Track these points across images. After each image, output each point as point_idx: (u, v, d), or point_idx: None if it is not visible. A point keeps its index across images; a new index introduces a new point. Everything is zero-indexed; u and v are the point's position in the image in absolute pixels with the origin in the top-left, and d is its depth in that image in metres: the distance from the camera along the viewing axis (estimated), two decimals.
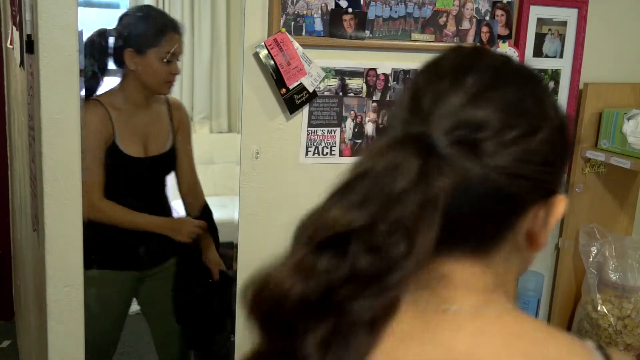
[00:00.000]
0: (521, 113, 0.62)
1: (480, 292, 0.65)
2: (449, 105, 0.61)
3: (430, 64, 0.68)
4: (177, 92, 3.46)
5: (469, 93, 0.62)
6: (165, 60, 2.07)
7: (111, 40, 2.13)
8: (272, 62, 1.81)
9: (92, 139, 2.02)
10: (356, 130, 1.97)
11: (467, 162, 0.59)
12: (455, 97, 0.61)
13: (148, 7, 2.16)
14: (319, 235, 0.59)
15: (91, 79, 2.13)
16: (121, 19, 2.18)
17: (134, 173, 2.13)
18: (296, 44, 1.82)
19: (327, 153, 1.95)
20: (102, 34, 2.14)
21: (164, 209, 2.24)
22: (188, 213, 2.31)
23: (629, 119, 2.06)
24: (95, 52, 2.13)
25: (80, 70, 1.66)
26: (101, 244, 2.12)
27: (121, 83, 2.12)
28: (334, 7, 1.86)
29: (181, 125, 2.22)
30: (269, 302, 0.59)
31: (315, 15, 1.84)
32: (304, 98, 1.86)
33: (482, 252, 0.64)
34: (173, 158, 2.20)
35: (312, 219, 0.64)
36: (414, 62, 2.00)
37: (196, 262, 2.24)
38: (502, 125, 0.60)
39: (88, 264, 2.14)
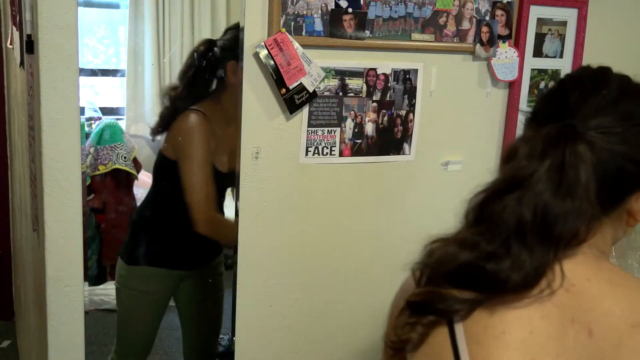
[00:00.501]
0: None
1: (591, 247, 0.87)
2: (591, 107, 0.86)
3: (572, 75, 0.96)
4: None
5: (606, 99, 0.87)
6: None
7: (216, 50, 2.13)
8: (272, 62, 1.81)
9: (203, 152, 2.05)
10: (356, 130, 1.97)
11: (605, 146, 0.84)
12: (595, 101, 0.87)
13: None
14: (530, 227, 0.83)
15: (194, 89, 2.13)
16: (226, 32, 2.17)
17: (217, 188, 2.14)
18: (296, 44, 1.82)
19: (327, 153, 1.95)
20: (208, 43, 2.14)
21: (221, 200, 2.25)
22: None
23: None
24: (199, 61, 2.14)
25: (80, 70, 1.66)
26: (155, 243, 2.18)
27: (218, 96, 2.12)
28: (334, 7, 1.86)
29: None
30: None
31: (315, 15, 1.85)
32: (304, 98, 1.86)
33: (599, 220, 0.87)
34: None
35: (494, 207, 0.85)
36: (414, 62, 2.00)
37: None
38: (628, 124, 0.86)
39: (137, 260, 2.20)
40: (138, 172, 2.56)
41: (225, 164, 2.13)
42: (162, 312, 2.27)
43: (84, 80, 2.15)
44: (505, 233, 0.82)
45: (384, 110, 2.00)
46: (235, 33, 2.12)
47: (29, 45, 1.73)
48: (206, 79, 2.15)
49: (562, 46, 2.19)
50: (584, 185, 0.82)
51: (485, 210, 0.85)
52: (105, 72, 3.20)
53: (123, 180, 2.53)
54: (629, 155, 0.85)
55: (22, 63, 2.08)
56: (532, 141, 0.85)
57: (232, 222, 1.98)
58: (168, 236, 2.16)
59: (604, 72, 0.93)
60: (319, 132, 1.93)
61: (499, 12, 2.06)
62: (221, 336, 2.28)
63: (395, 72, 1.98)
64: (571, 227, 0.82)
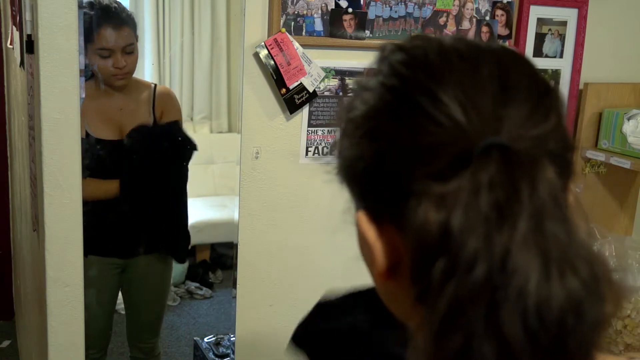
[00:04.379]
0: None
1: None
2: (494, 101, 0.50)
3: (412, 63, 0.53)
4: (177, 92, 3.47)
5: (493, 81, 0.51)
6: (102, 56, 2.07)
7: None
8: (272, 62, 1.81)
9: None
10: None
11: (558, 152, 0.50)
12: (490, 90, 0.50)
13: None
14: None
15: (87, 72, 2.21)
16: None
17: (110, 154, 2.18)
18: (296, 44, 1.82)
19: (327, 153, 1.95)
20: None
21: (158, 184, 2.28)
22: None
23: (629, 119, 2.06)
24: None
25: (80, 70, 1.66)
26: (88, 230, 2.18)
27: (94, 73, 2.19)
28: (334, 7, 1.86)
29: (165, 112, 2.25)
30: None
31: (315, 15, 1.85)
32: (304, 98, 1.86)
33: None
34: (157, 134, 2.24)
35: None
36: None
37: None
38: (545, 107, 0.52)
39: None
40: None
41: (112, 132, 2.17)
42: (109, 300, 2.30)
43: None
44: None
45: None
46: (84, 16, 2.15)
47: (29, 45, 1.73)
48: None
49: (562, 46, 2.19)
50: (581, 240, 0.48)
51: None
52: None
53: None
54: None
55: (22, 63, 2.08)
56: (457, 202, 0.46)
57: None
58: (96, 223, 2.16)
59: (443, 46, 0.54)
60: (319, 132, 1.93)
61: (499, 12, 2.06)
62: (221, 336, 2.28)
63: None
64: (595, 320, 0.46)
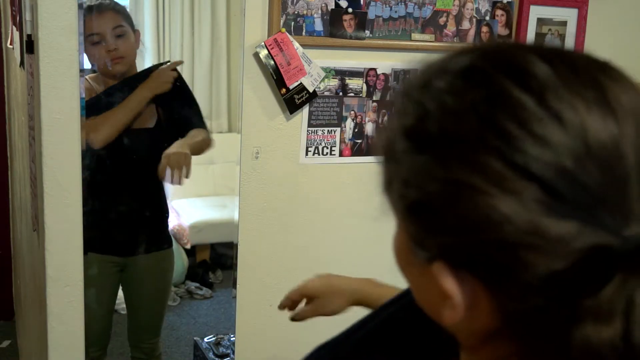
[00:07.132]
0: None
1: None
2: None
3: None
4: None
5: None
6: (93, 42, 2.07)
7: None
8: (272, 62, 1.81)
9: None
10: (356, 130, 1.97)
11: None
12: None
13: None
14: None
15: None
16: None
17: (116, 144, 2.17)
18: (296, 44, 1.82)
19: (327, 153, 1.95)
20: None
21: (156, 185, 2.28)
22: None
23: None
24: None
25: (80, 70, 1.66)
26: (88, 228, 2.18)
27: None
28: (334, 7, 1.86)
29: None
30: None
31: (315, 15, 1.85)
32: (304, 98, 1.87)
33: None
34: (159, 134, 2.23)
35: None
36: (414, 62, 2.00)
37: None
38: None
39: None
40: None
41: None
42: (108, 298, 2.30)
43: None
44: None
45: (384, 110, 2.00)
46: None
47: (29, 45, 1.73)
48: None
49: (562, 46, 2.19)
50: None
51: None
52: None
53: None
54: None
55: (22, 63, 2.08)
56: None
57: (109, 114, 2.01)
58: (96, 221, 2.15)
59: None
60: (319, 132, 1.93)
61: (499, 12, 2.06)
62: (221, 336, 2.28)
63: (396, 72, 1.98)
64: None
